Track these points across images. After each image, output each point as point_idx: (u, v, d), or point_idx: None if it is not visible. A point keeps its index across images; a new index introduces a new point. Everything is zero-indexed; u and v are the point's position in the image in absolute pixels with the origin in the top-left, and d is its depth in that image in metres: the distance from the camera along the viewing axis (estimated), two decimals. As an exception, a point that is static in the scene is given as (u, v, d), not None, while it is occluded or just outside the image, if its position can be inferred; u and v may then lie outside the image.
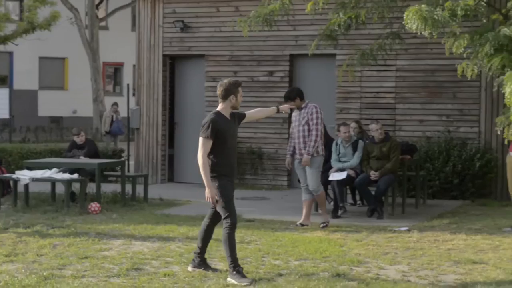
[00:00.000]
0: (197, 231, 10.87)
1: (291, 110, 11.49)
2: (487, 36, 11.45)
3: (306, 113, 11.66)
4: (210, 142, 8.15)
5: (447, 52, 11.93)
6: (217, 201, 8.17)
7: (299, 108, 11.71)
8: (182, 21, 17.33)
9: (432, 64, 15.49)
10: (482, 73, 13.09)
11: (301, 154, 11.62)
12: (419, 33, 11.38)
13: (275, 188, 16.48)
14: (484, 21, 12.73)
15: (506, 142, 11.08)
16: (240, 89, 8.44)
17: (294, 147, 11.80)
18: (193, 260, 8.51)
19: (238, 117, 8.54)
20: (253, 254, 9.28)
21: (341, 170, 12.85)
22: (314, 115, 11.60)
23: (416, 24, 11.14)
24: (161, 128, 17.65)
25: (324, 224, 11.52)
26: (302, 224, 11.61)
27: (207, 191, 8.13)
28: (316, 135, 11.55)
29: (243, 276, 7.96)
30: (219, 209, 8.26)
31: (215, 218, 8.53)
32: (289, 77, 16.67)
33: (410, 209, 13.37)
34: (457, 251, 9.71)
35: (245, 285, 7.81)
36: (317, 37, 14.20)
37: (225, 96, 8.37)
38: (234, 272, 7.98)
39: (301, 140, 11.66)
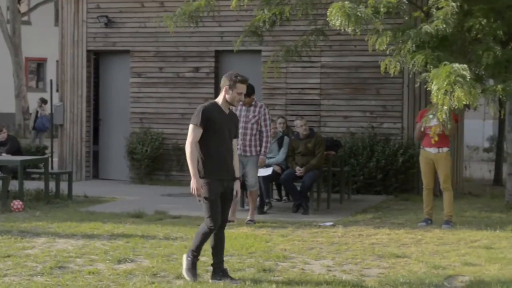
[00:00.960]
0: (122, 228, 10.84)
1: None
2: (409, 33, 11.64)
3: (258, 112, 11.71)
4: (200, 130, 7.70)
5: (370, 49, 12.09)
6: (201, 196, 7.66)
7: (248, 105, 11.71)
8: (106, 16, 17.15)
9: (356, 60, 15.67)
10: (404, 70, 13.30)
11: (246, 151, 11.63)
12: (342, 30, 11.50)
13: (201, 185, 16.41)
14: (406, 18, 12.94)
15: (447, 133, 11.24)
16: (239, 85, 7.79)
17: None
18: (214, 273, 7.89)
19: (235, 122, 8.02)
20: (179, 251, 9.25)
21: (267, 166, 12.91)
22: (267, 116, 11.80)
23: (339, 21, 11.25)
24: (85, 124, 17.45)
25: (251, 221, 11.55)
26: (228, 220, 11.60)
27: (192, 181, 7.66)
28: (267, 136, 11.68)
29: (193, 269, 7.82)
30: (202, 206, 7.75)
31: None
32: (214, 73, 16.66)
33: (335, 205, 13.51)
34: (380, 245, 9.85)
35: (187, 278, 7.79)
36: (242, 33, 14.24)
37: (222, 86, 7.88)
38: (189, 259, 7.81)
39: (248, 137, 11.69)
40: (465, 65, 10.64)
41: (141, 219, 11.71)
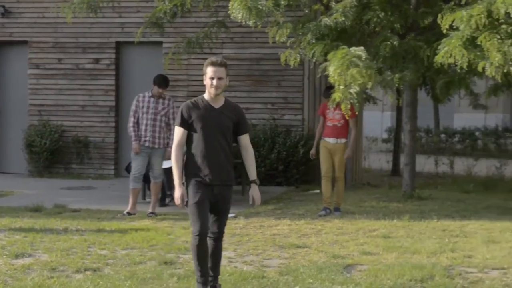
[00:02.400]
0: (20, 222, 10.62)
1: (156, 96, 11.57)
2: (309, 26, 11.78)
3: (167, 104, 11.63)
4: (182, 131, 6.79)
5: (271, 41, 12.18)
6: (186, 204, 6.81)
7: (157, 97, 11.61)
8: (3, 6, 16.76)
9: (257, 53, 15.75)
10: (305, 62, 13.45)
11: (155, 143, 11.54)
12: (244, 22, 11.54)
13: (101, 177, 16.28)
14: (306, 11, 13.08)
15: (346, 117, 11.43)
16: (208, 68, 6.73)
17: (142, 134, 11.59)
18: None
19: (236, 116, 6.89)
20: (79, 245, 9.13)
21: (169, 158, 12.85)
22: (175, 109, 11.69)
23: (241, 13, 11.30)
24: (-19, 116, 17.03)
25: (152, 214, 11.49)
26: (129, 213, 11.54)
27: (175, 190, 6.85)
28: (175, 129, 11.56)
29: None
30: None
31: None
32: (115, 65, 16.48)
33: (237, 196, 13.50)
34: (281, 236, 9.94)
35: None
36: (143, 24, 14.13)
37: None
38: (198, 283, 6.87)
39: (157, 129, 11.59)
40: (362, 47, 10.83)
41: (40, 213, 11.51)
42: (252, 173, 6.98)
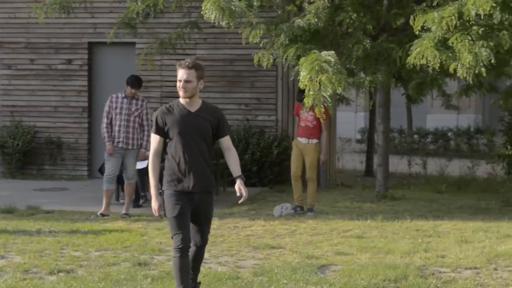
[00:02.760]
0: (-7, 224, 10.55)
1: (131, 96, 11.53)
2: (282, 27, 11.80)
3: (140, 105, 11.61)
4: (158, 138, 6.51)
5: (244, 42, 12.19)
6: (162, 217, 6.54)
7: (130, 97, 11.58)
8: (-25, 7, 16.64)
9: (231, 53, 15.75)
10: (278, 63, 13.46)
11: (129, 144, 11.50)
12: (217, 23, 11.54)
13: (75, 178, 16.20)
14: (280, 12, 13.10)
15: (322, 120, 11.49)
16: (179, 71, 6.53)
17: (115, 135, 11.56)
18: None
19: (215, 118, 6.59)
20: (52, 246, 9.08)
21: (143, 159, 12.81)
22: (149, 110, 11.68)
23: (214, 14, 11.29)
24: (-47, 118, 16.87)
25: (126, 215, 11.45)
26: (102, 215, 11.49)
27: (152, 200, 6.54)
28: (149, 130, 11.51)
29: None
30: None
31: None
32: (88, 66, 16.41)
33: (211, 197, 13.53)
34: (255, 237, 9.95)
35: None
36: (115, 25, 14.08)
37: None
38: None
39: (131, 130, 11.56)
40: (332, 52, 10.87)
41: (13, 215, 11.43)
42: (236, 170, 6.66)
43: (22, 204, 12.19)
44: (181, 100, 6.59)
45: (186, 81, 6.49)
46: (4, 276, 7.72)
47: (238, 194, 6.59)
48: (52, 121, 16.51)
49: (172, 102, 6.65)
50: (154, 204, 6.49)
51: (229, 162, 6.71)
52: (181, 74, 6.50)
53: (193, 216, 6.55)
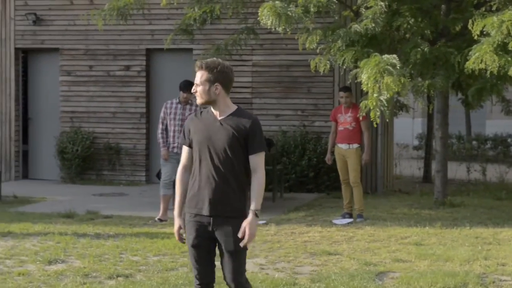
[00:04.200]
0: (53, 228, 10.69)
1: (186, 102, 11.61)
2: (339, 32, 11.76)
3: (194, 110, 11.71)
4: (186, 149, 5.54)
5: (301, 48, 12.18)
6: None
7: (184, 103, 11.69)
8: (35, 14, 16.91)
9: (287, 59, 15.76)
10: (335, 69, 13.44)
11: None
12: (273, 29, 11.55)
13: (133, 184, 16.35)
14: (336, 17, 13.07)
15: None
16: (197, 73, 5.50)
17: (170, 141, 11.68)
18: None
19: (245, 129, 5.36)
20: (111, 251, 9.17)
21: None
22: None
23: (270, 20, 11.30)
24: (14, 123, 17.17)
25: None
26: (160, 220, 11.58)
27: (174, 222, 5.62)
28: None
29: None
30: None
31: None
32: (146, 72, 16.57)
33: (268, 203, 13.53)
34: (313, 243, 9.92)
35: None
36: (173, 31, 14.19)
37: None
38: None
39: None
40: (395, 55, 10.80)
41: (72, 219, 11.58)
42: (254, 201, 5.30)
43: (82, 209, 12.35)
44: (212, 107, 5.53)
45: (197, 84, 5.49)
46: (64, 280, 7.82)
47: (240, 235, 5.27)
48: (111, 127, 16.70)
49: (206, 109, 5.61)
50: (175, 226, 5.54)
51: (251, 186, 5.37)
52: (196, 77, 5.53)
53: (215, 247, 5.45)
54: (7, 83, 17.14)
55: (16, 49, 17.16)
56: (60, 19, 16.92)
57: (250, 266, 8.56)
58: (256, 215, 5.27)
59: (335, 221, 11.52)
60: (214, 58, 5.50)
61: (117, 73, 16.71)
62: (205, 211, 5.34)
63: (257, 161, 5.37)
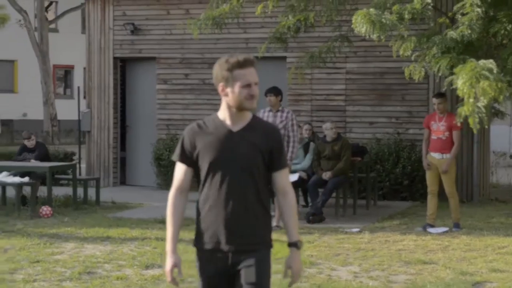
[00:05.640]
0: (150, 234, 10.90)
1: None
2: (434, 39, 11.64)
3: (285, 117, 11.76)
4: (184, 168, 4.68)
5: (395, 55, 12.10)
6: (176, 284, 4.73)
7: (275, 110, 11.78)
8: (133, 24, 17.29)
9: (381, 66, 15.67)
10: (430, 76, 13.29)
11: None
12: (367, 36, 11.53)
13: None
14: (431, 24, 12.95)
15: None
16: (241, 72, 4.58)
17: None
18: None
19: (268, 141, 4.55)
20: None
21: (292, 172, 12.92)
22: (294, 121, 11.81)
23: (364, 27, 11.27)
24: (112, 130, 17.59)
25: (277, 227, 11.57)
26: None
27: (166, 259, 4.76)
28: (294, 142, 11.68)
29: None
30: None
31: None
32: (240, 80, 16.70)
33: (361, 211, 13.51)
34: (407, 251, 9.85)
35: None
36: (267, 39, 14.30)
37: (215, 85, 4.74)
38: None
39: None
40: (491, 60, 10.63)
41: (168, 225, 11.76)
42: (292, 232, 4.53)
43: (177, 215, 12.52)
44: (220, 115, 4.62)
45: (257, 84, 4.61)
46: (161, 284, 7.98)
47: (283, 276, 4.56)
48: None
49: (206, 118, 4.73)
50: (167, 264, 4.72)
51: (284, 214, 4.56)
52: (250, 74, 4.59)
53: (236, 284, 4.57)
54: (106, 91, 17.57)
55: (115, 58, 17.58)
56: (157, 28, 17.25)
57: (344, 273, 8.58)
58: (298, 247, 4.51)
59: (429, 230, 11.39)
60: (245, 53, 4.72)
61: (212, 81, 16.86)
62: (224, 245, 4.55)
63: (286, 179, 4.61)
